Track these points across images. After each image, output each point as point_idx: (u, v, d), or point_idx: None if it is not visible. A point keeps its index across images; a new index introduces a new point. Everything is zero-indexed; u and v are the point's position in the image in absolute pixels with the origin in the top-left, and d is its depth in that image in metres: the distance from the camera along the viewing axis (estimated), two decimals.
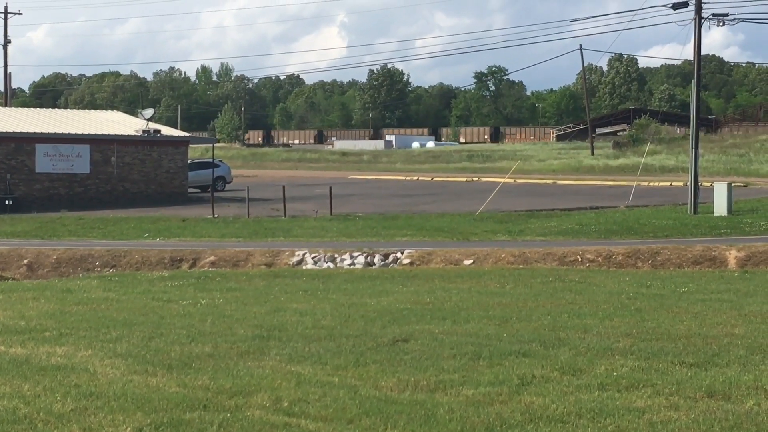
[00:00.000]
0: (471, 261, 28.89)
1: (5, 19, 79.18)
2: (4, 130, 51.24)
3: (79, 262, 31.12)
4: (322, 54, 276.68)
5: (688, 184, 41.52)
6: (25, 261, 31.26)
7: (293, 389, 10.91)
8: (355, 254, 30.34)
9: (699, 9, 41.03)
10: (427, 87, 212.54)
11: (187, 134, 70.15)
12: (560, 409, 9.93)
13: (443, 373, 11.72)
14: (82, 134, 53.41)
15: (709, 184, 46.10)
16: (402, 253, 30.15)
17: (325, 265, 29.74)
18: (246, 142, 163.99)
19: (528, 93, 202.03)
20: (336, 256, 30.34)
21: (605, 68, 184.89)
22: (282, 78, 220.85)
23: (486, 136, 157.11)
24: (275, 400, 10.40)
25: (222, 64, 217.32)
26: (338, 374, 11.77)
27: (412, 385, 11.11)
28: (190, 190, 58.64)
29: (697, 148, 41.73)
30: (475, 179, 73.02)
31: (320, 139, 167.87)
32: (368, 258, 30.12)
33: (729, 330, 14.93)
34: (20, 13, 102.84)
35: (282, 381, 11.33)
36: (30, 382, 11.35)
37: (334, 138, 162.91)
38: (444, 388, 10.93)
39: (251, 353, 13.24)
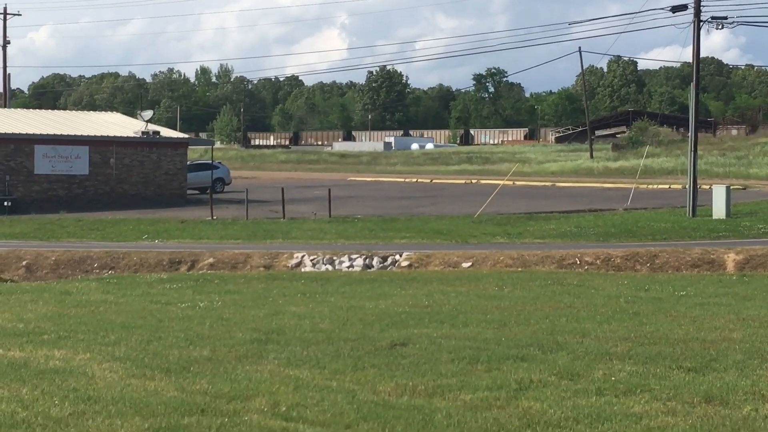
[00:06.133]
0: (469, 264, 28.89)
1: (4, 20, 79.09)
2: (3, 132, 51.24)
3: (77, 263, 31.10)
4: (322, 56, 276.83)
5: (687, 186, 41.52)
6: (24, 262, 31.24)
7: (291, 394, 10.91)
8: (354, 256, 30.33)
9: (698, 12, 41.03)
10: (426, 89, 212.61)
11: (186, 136, 70.12)
12: (558, 414, 9.94)
13: (441, 377, 11.72)
14: (81, 135, 53.41)
15: (707, 187, 46.14)
16: (400, 256, 30.14)
17: (323, 268, 29.73)
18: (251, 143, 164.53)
19: (527, 95, 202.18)
20: (334, 258, 30.33)
21: (605, 70, 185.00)
22: (281, 79, 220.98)
23: (457, 140, 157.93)
24: (273, 404, 10.40)
25: (221, 65, 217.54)
26: (336, 378, 11.77)
27: (410, 389, 11.11)
28: (189, 191, 58.60)
29: (695, 150, 41.73)
30: (473, 181, 73.04)
31: (296, 140, 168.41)
32: (366, 260, 30.11)
33: (727, 334, 14.93)
34: (20, 14, 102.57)
35: (280, 385, 11.32)
36: (28, 386, 11.33)
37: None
38: (442, 393, 10.93)
39: (249, 357, 13.24)
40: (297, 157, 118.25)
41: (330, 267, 29.81)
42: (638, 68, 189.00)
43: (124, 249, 32.48)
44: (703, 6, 41.11)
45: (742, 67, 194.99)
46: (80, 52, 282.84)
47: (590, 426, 9.53)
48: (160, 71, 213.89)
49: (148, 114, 59.25)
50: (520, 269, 27.79)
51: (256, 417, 9.91)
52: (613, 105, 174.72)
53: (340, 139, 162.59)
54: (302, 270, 29.39)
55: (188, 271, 29.68)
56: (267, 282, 24.76)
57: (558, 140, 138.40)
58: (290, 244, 33.51)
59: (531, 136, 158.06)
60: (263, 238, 35.58)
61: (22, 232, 38.47)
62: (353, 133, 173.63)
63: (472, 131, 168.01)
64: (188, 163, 60.18)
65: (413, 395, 10.87)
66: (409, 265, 29.36)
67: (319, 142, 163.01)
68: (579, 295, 20.90)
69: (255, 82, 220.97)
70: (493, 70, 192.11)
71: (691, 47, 41.89)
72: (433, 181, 76.17)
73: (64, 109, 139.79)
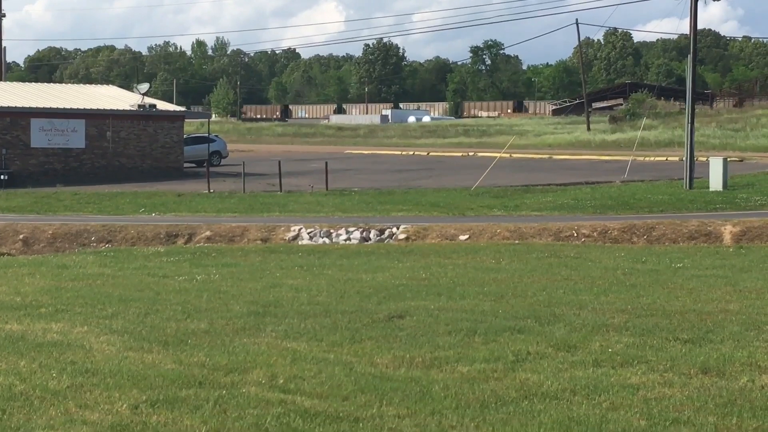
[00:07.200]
0: (466, 236, 28.90)
1: None
2: None
3: (74, 237, 31.09)
4: (319, 28, 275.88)
5: (684, 159, 41.51)
6: (21, 236, 31.23)
7: (289, 366, 10.92)
8: (351, 229, 30.33)
9: None
10: (422, 61, 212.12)
11: (182, 109, 70.05)
12: (555, 385, 9.95)
13: (438, 349, 11.74)
14: (78, 109, 53.26)
15: (704, 159, 46.11)
16: (398, 229, 30.15)
17: (320, 241, 29.73)
18: (243, 116, 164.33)
19: (524, 67, 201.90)
20: (332, 231, 30.33)
21: (602, 42, 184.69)
22: (278, 52, 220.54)
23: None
24: (271, 377, 10.41)
25: (217, 38, 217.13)
26: (334, 351, 11.79)
27: (407, 361, 11.12)
28: (186, 164, 58.47)
29: (692, 123, 41.69)
30: (470, 154, 72.97)
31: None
32: (364, 233, 30.11)
33: (724, 306, 14.96)
34: None
35: (278, 358, 11.33)
36: (26, 359, 11.34)
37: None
38: (439, 365, 10.94)
39: (247, 330, 13.25)
40: (293, 130, 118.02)
41: (327, 240, 29.82)
42: (635, 40, 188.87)
43: (121, 222, 32.47)
44: None
45: (740, 39, 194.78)
46: (76, 25, 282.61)
47: (587, 397, 9.54)
48: (156, 44, 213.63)
49: (144, 87, 59.06)
50: (517, 242, 27.82)
51: (253, 389, 9.92)
52: (609, 77, 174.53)
53: (277, 114, 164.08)
54: (299, 243, 29.40)
55: (185, 244, 29.68)
56: (264, 255, 24.77)
57: (555, 113, 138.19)
58: (287, 217, 33.51)
59: (456, 111, 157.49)
60: (260, 211, 35.57)
61: (19, 205, 38.46)
62: (290, 107, 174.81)
63: (402, 105, 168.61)
64: (185, 136, 60.07)
65: (411, 367, 10.88)
66: (407, 238, 29.37)
67: (259, 116, 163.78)
68: (576, 267, 20.93)
69: (251, 55, 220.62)
70: (489, 43, 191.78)
71: (688, 19, 41.89)
72: (430, 153, 76.10)
73: (60, 82, 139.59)
